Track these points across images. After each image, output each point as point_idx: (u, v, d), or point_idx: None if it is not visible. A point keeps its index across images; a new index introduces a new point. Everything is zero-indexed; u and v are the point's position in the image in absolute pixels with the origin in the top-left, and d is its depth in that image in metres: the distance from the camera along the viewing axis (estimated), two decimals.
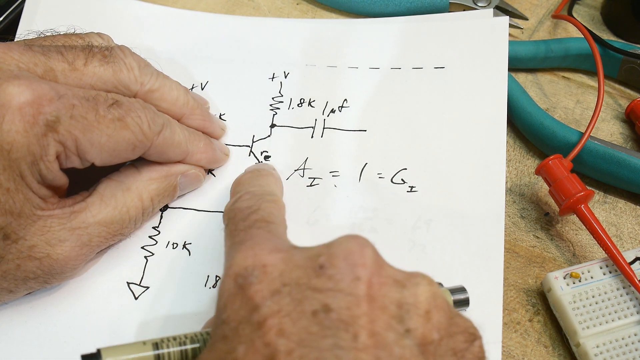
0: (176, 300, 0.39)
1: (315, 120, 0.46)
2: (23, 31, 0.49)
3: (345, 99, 0.46)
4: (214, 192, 0.43)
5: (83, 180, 0.38)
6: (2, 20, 0.51)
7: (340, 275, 0.28)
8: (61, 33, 0.41)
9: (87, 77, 0.37)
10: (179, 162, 0.41)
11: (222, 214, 0.41)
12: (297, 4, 0.54)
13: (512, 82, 0.48)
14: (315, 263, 0.29)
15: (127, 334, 0.38)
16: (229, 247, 0.34)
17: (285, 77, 0.48)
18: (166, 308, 0.39)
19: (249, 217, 0.34)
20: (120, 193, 0.38)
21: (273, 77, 0.48)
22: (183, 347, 0.31)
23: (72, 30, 0.41)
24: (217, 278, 0.40)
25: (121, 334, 0.38)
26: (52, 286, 0.38)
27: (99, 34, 0.41)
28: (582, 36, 0.48)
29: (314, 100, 0.46)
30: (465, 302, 0.35)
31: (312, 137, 0.45)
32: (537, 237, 0.43)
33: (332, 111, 0.46)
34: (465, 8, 0.51)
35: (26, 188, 0.34)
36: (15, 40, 0.39)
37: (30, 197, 0.34)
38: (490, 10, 0.50)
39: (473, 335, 0.30)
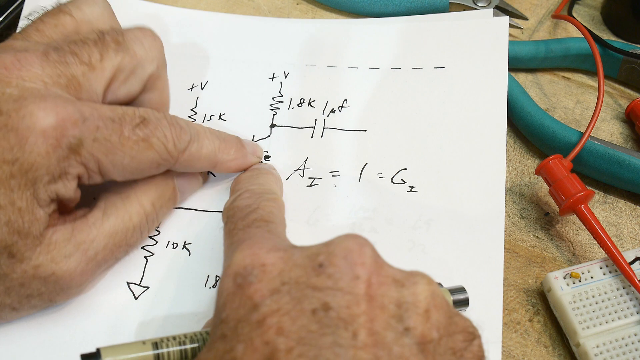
0: (176, 300, 0.39)
1: (315, 120, 0.46)
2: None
3: (345, 99, 0.46)
4: (214, 192, 0.43)
5: (84, 193, 0.38)
6: (2, 20, 0.51)
7: (339, 274, 0.28)
8: (45, 11, 0.39)
9: (107, 72, 0.37)
10: None
11: (221, 214, 0.41)
12: (297, 4, 0.54)
13: (512, 82, 0.48)
14: (315, 262, 0.29)
15: (127, 333, 0.38)
16: (227, 246, 0.34)
17: (285, 77, 0.48)
18: (166, 308, 0.39)
19: (248, 216, 0.34)
20: (120, 203, 0.37)
21: (273, 77, 0.48)
22: (182, 347, 0.31)
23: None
24: (217, 278, 0.40)
25: (121, 333, 0.38)
26: (58, 304, 0.37)
27: (93, 4, 0.39)
28: (582, 36, 0.48)
29: (314, 100, 0.46)
30: (464, 302, 0.35)
31: (312, 137, 0.45)
32: (537, 237, 0.43)
33: (332, 111, 0.46)
34: (465, 8, 0.51)
35: (37, 207, 0.33)
36: (11, 37, 0.38)
37: (39, 217, 0.33)
38: (490, 10, 0.50)
39: (472, 335, 0.30)
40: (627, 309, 0.38)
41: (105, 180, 0.36)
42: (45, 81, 0.34)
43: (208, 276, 0.40)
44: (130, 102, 0.39)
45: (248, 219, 0.34)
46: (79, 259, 0.35)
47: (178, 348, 0.31)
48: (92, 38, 0.37)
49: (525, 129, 0.47)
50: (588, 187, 0.42)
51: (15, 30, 0.50)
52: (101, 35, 0.37)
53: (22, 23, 0.40)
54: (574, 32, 0.52)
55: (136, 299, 0.39)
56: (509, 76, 0.47)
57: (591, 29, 0.50)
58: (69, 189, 0.34)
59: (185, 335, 0.31)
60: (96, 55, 0.36)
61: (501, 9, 0.51)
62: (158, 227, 0.41)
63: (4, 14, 0.51)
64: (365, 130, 0.45)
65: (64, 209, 0.36)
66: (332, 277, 0.28)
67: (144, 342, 0.31)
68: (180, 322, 0.38)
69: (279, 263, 0.29)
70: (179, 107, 0.46)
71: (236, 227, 0.34)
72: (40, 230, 0.34)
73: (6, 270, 0.33)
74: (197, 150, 0.38)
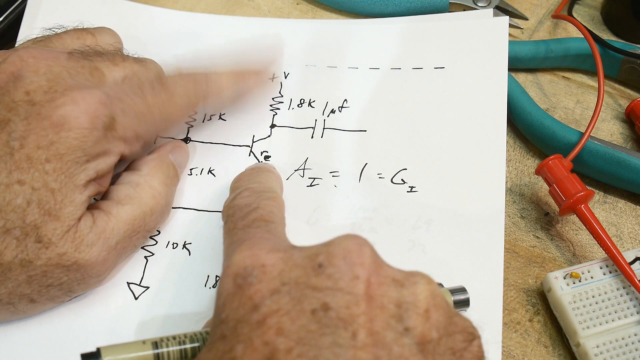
0: (176, 300, 0.39)
1: (315, 120, 0.46)
2: (25, 31, 0.49)
3: (346, 99, 0.46)
4: (214, 192, 0.43)
5: None
6: (2, 20, 0.51)
7: (339, 274, 0.28)
8: (70, 28, 0.42)
9: (128, 70, 0.39)
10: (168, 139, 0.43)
11: (220, 214, 0.41)
12: (297, 4, 0.54)
13: (512, 82, 0.48)
14: (314, 262, 0.29)
15: (127, 333, 0.38)
16: (227, 246, 0.34)
17: (285, 77, 0.48)
18: (166, 308, 0.39)
19: (247, 215, 0.34)
20: (132, 190, 0.38)
21: (273, 78, 0.48)
22: (182, 347, 0.31)
23: (80, 26, 0.43)
24: (217, 278, 0.40)
25: (121, 333, 0.38)
26: (75, 296, 0.38)
27: (109, 31, 0.43)
28: (582, 36, 0.48)
29: (314, 101, 0.46)
30: (465, 303, 0.35)
31: (312, 137, 0.45)
32: (537, 237, 0.43)
33: (332, 111, 0.46)
34: (465, 8, 0.51)
35: (73, 189, 0.35)
36: (31, 40, 0.41)
37: (75, 200, 0.35)
38: (490, 10, 0.50)
39: (472, 335, 0.30)
40: (627, 309, 0.38)
41: (145, 147, 0.40)
42: (70, 71, 0.37)
43: (208, 276, 0.40)
44: None
45: (248, 219, 0.34)
46: (101, 248, 0.36)
47: (178, 347, 0.31)
48: (114, 49, 0.41)
49: (525, 129, 0.47)
50: (588, 187, 0.42)
51: (17, 29, 0.50)
52: (121, 50, 0.42)
53: (36, 32, 0.42)
54: (574, 32, 0.52)
55: (136, 299, 0.39)
56: (509, 76, 0.47)
57: (591, 29, 0.50)
58: (108, 164, 0.37)
59: (185, 335, 0.31)
60: (118, 58, 0.40)
61: (501, 9, 0.51)
62: (158, 228, 0.41)
63: (4, 14, 0.51)
64: (365, 131, 0.45)
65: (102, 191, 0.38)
66: (332, 278, 0.28)
67: (144, 342, 0.31)
68: (180, 322, 0.38)
69: (278, 263, 0.29)
70: None
71: (236, 227, 0.34)
72: (74, 215, 0.35)
73: (31, 257, 0.34)
74: (217, 78, 0.41)
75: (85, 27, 0.43)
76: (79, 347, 0.37)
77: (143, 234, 0.39)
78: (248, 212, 0.35)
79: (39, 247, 0.34)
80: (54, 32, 0.42)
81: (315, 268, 0.28)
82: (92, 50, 0.40)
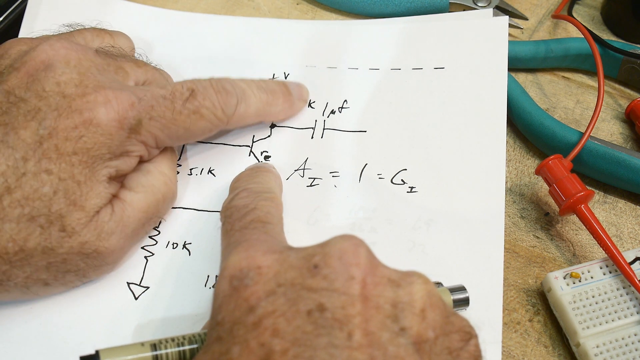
0: (176, 301, 0.39)
1: (316, 121, 0.46)
2: (25, 31, 0.49)
3: (346, 100, 0.46)
4: (214, 192, 0.43)
5: None
6: (2, 20, 0.51)
7: (334, 275, 0.28)
8: (87, 27, 0.43)
9: (150, 74, 0.41)
10: None
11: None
12: (297, 4, 0.54)
13: (512, 82, 0.48)
14: (310, 263, 0.29)
15: (127, 334, 0.38)
16: (224, 248, 0.34)
17: (286, 77, 0.48)
18: (166, 308, 0.39)
19: (245, 216, 0.35)
20: (144, 179, 0.39)
21: (273, 78, 0.48)
22: (181, 348, 0.31)
23: (99, 25, 0.44)
24: (217, 278, 0.40)
25: (121, 334, 0.38)
26: (89, 280, 0.39)
27: (125, 36, 0.44)
28: (582, 36, 0.48)
29: (314, 101, 0.46)
30: (465, 302, 0.35)
31: (312, 137, 0.45)
32: (537, 237, 0.43)
33: (332, 112, 0.46)
34: (465, 8, 0.51)
35: (97, 183, 0.36)
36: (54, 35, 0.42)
37: (99, 192, 0.36)
38: (490, 10, 0.50)
39: (469, 334, 0.30)
40: (627, 309, 0.38)
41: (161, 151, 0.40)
42: (99, 67, 0.38)
43: (208, 276, 0.40)
44: None
45: (245, 220, 0.34)
46: (119, 236, 0.37)
47: (177, 349, 0.31)
48: (129, 53, 0.43)
49: (525, 129, 0.47)
50: (588, 187, 0.42)
51: (17, 29, 0.50)
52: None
53: (36, 32, 0.43)
54: (574, 32, 0.52)
55: (136, 299, 0.39)
56: (509, 76, 0.47)
57: (591, 29, 0.50)
58: (129, 166, 0.38)
59: (183, 337, 0.31)
60: (140, 61, 0.41)
61: (501, 9, 0.51)
62: (158, 227, 0.41)
63: (4, 14, 0.51)
64: (365, 131, 0.45)
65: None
66: (327, 278, 0.28)
67: (142, 344, 0.31)
68: (180, 322, 0.38)
69: (274, 265, 0.29)
70: None
71: (233, 228, 0.34)
72: (97, 207, 0.36)
73: (54, 245, 0.35)
74: (245, 109, 0.41)
75: (103, 27, 0.44)
76: (79, 347, 0.37)
77: (155, 220, 0.40)
78: (245, 213, 0.35)
79: (62, 235, 0.35)
80: (73, 29, 0.42)
81: (311, 269, 0.28)
82: (116, 50, 0.41)
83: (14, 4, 0.51)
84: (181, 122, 0.38)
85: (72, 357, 0.36)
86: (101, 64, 0.38)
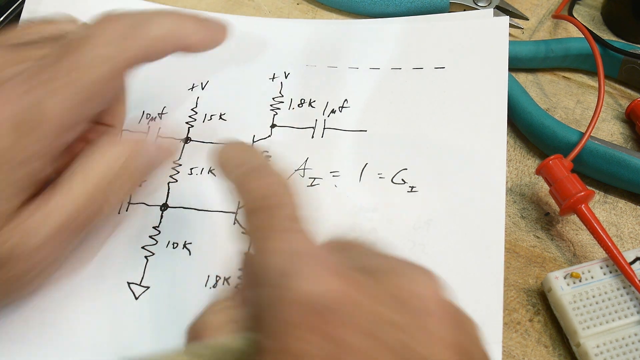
0: (176, 300, 0.39)
1: (316, 120, 0.46)
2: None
3: (346, 99, 0.46)
4: (214, 192, 0.43)
5: None
6: (2, 21, 0.51)
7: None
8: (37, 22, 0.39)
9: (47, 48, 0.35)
10: None
11: (222, 213, 0.41)
12: (298, 4, 0.54)
13: (512, 82, 0.47)
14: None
15: (128, 334, 0.38)
16: (268, 252, 0.26)
17: (286, 77, 0.48)
18: (167, 308, 0.39)
19: (279, 210, 0.28)
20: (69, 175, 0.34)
21: (273, 78, 0.48)
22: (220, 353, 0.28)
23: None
24: (218, 278, 0.40)
25: (121, 333, 0.38)
26: (8, 301, 0.35)
27: (71, 19, 0.39)
28: (583, 36, 0.48)
29: (314, 101, 0.46)
30: None
31: (312, 137, 0.45)
32: (538, 237, 0.43)
33: (333, 111, 0.46)
34: (466, 8, 0.51)
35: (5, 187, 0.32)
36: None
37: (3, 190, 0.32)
38: (491, 10, 0.50)
39: None
40: (628, 309, 0.38)
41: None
42: (10, 63, 0.34)
43: (209, 276, 0.40)
44: None
45: (281, 216, 0.28)
46: (42, 227, 0.32)
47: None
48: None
49: (526, 129, 0.47)
50: (588, 187, 0.42)
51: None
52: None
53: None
54: (575, 32, 0.52)
55: (136, 299, 0.39)
56: (509, 76, 0.47)
57: (592, 29, 0.50)
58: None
59: (222, 342, 0.27)
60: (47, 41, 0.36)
61: (501, 9, 0.51)
62: (158, 227, 0.41)
63: (4, 14, 0.51)
64: (365, 131, 0.45)
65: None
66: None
67: (178, 352, 0.27)
68: (181, 322, 0.38)
69: (355, 294, 0.25)
70: (179, 107, 0.46)
71: (271, 228, 0.27)
72: (7, 204, 0.32)
73: None
74: (149, 33, 0.35)
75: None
76: (78, 346, 0.37)
77: (90, 217, 0.35)
78: (277, 206, 0.29)
79: None
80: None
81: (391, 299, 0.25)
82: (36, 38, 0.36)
83: (14, 4, 0.51)
84: (72, 80, 0.32)
85: (72, 356, 0.36)
86: (13, 58, 0.34)
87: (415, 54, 0.48)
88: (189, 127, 0.45)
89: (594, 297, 0.38)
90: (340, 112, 0.46)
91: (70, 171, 0.34)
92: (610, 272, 0.39)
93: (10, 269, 0.32)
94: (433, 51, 0.48)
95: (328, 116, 0.46)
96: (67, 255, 0.36)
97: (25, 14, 0.50)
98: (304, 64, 0.48)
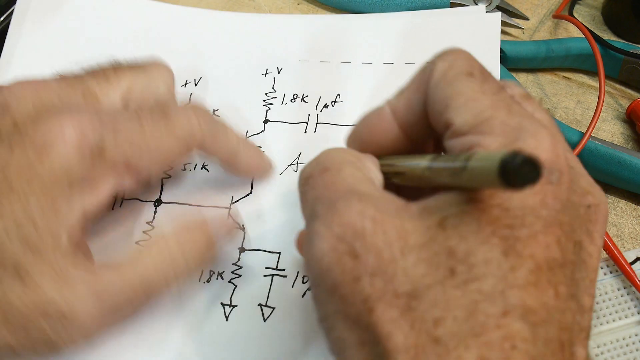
0: (171, 296, 0.38)
1: (309, 115, 0.45)
2: (16, 21, 0.49)
3: (339, 94, 0.46)
4: (208, 187, 0.42)
5: None
6: (2, 21, 0.51)
7: None
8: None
9: (123, 84, 0.36)
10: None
11: (215, 208, 0.41)
12: (298, 4, 0.54)
13: None
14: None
15: (123, 330, 0.37)
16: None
17: (279, 72, 0.47)
18: (161, 303, 0.38)
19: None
20: (146, 250, 0.34)
21: (266, 73, 0.47)
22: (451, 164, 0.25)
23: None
24: (212, 273, 0.39)
25: (120, 328, 0.37)
26: (64, 351, 0.32)
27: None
28: (583, 36, 0.47)
29: (307, 96, 0.46)
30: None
31: (305, 132, 0.44)
32: None
33: (326, 106, 0.45)
34: None
35: (56, 227, 0.31)
36: None
37: (57, 238, 0.31)
38: (483, 6, 0.49)
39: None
40: (628, 309, 0.37)
41: (140, 182, 0.34)
42: (61, 94, 0.34)
43: (202, 271, 0.39)
44: None
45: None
46: (93, 303, 0.31)
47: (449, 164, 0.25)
48: (107, 63, 0.37)
49: None
50: None
51: None
52: (116, 61, 0.38)
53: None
54: (575, 32, 0.52)
55: None
56: (510, 76, 0.46)
57: (592, 29, 0.49)
58: (98, 200, 0.32)
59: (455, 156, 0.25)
60: (111, 71, 0.36)
61: (502, 9, 0.51)
62: (152, 222, 0.41)
63: (4, 14, 0.51)
64: None
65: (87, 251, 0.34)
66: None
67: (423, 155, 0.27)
68: (176, 317, 0.38)
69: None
70: None
71: None
72: (61, 254, 0.31)
73: (10, 296, 0.30)
74: (223, 138, 0.37)
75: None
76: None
77: (146, 300, 0.33)
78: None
79: (18, 284, 0.30)
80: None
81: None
82: (84, 70, 0.36)
83: (14, 4, 0.51)
84: (150, 137, 0.33)
85: (71, 356, 0.36)
86: (65, 91, 0.34)
87: (407, 49, 0.47)
88: None
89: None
90: (333, 107, 0.45)
91: (135, 251, 0.34)
92: (611, 272, 0.38)
93: (59, 324, 0.31)
94: (425, 47, 0.47)
95: (321, 111, 0.45)
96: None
97: (17, 10, 0.50)
98: (297, 59, 0.48)
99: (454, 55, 0.28)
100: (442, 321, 0.23)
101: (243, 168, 0.40)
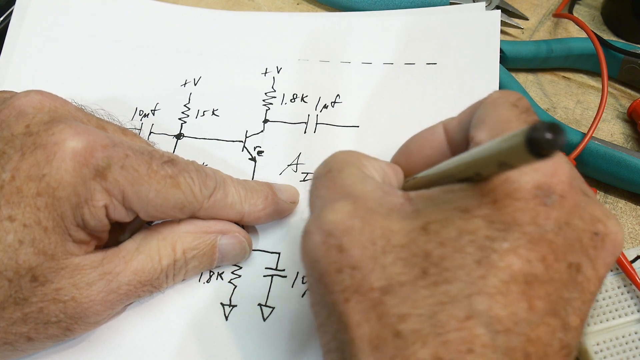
0: (171, 295, 0.38)
1: (308, 115, 0.45)
2: (15, 23, 0.50)
3: (338, 95, 0.46)
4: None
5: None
6: (2, 21, 0.51)
7: None
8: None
9: (136, 140, 0.38)
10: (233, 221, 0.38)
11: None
12: (298, 4, 0.54)
13: (512, 82, 0.47)
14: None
15: (122, 329, 0.37)
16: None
17: (278, 72, 0.47)
18: (161, 303, 0.38)
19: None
20: (155, 242, 0.36)
21: (266, 72, 0.47)
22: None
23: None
24: (212, 273, 0.39)
25: (119, 328, 0.37)
26: (75, 337, 0.35)
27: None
28: (583, 36, 0.47)
29: (306, 96, 0.46)
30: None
31: (305, 132, 0.44)
32: None
33: (325, 106, 0.45)
34: None
35: (64, 230, 0.32)
36: None
37: (65, 240, 0.33)
38: (483, 4, 0.49)
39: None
40: (628, 307, 0.37)
41: (129, 216, 0.35)
42: (76, 116, 0.35)
43: (202, 273, 0.39)
44: None
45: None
46: (100, 288, 0.34)
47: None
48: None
49: None
50: None
51: None
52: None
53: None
54: (575, 32, 0.52)
55: None
56: (510, 76, 0.46)
57: (592, 29, 0.49)
58: (94, 216, 0.33)
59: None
60: (129, 131, 0.38)
61: (502, 9, 0.51)
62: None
63: (4, 14, 0.51)
64: (357, 126, 0.44)
65: (99, 242, 0.35)
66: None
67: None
68: (175, 317, 0.38)
69: None
70: (172, 103, 0.46)
71: None
72: (66, 254, 0.33)
73: (26, 294, 0.32)
74: (223, 198, 0.37)
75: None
76: (78, 345, 0.37)
77: (149, 288, 0.36)
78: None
79: (35, 285, 0.32)
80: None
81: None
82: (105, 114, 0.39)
83: (14, 4, 0.51)
84: (154, 182, 0.34)
85: (71, 355, 0.37)
86: (81, 116, 0.36)
87: (407, 49, 0.47)
88: (181, 124, 0.45)
89: None
90: (333, 107, 0.45)
91: (142, 241, 0.36)
92: (611, 271, 0.38)
93: (73, 310, 0.34)
94: (425, 47, 0.47)
95: (320, 111, 0.45)
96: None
97: (16, 10, 0.51)
98: (297, 58, 0.48)
99: (509, 91, 0.30)
100: (407, 317, 0.24)
101: (258, 220, 0.39)
